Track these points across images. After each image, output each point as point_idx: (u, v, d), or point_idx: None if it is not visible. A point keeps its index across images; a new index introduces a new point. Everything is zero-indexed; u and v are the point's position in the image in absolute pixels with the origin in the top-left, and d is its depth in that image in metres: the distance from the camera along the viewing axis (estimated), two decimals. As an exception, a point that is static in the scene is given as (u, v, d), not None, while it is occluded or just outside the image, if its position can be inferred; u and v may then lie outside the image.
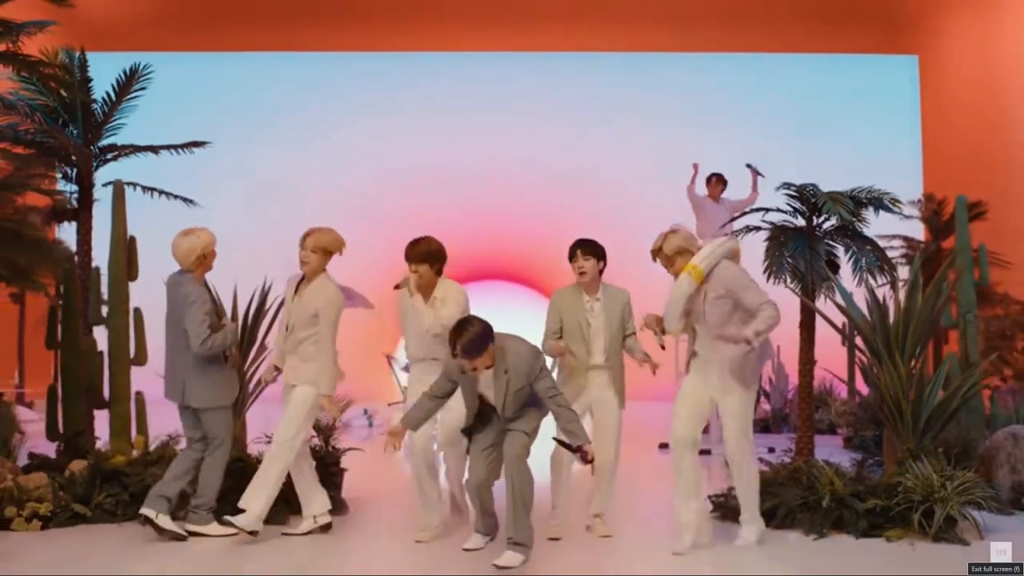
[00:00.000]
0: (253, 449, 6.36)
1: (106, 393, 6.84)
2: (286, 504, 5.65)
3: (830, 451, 7.26)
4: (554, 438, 5.10)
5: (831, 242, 6.61)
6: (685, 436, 5.14)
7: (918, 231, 11.81)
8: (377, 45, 14.46)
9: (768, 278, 6.44)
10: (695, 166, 10.04)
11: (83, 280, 6.97)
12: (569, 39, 14.44)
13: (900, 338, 6.12)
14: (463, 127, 14.14)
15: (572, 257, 5.53)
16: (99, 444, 6.75)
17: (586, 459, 4.76)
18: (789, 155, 12.87)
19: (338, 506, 5.98)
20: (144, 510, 5.32)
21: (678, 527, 5.18)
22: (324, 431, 6.27)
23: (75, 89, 6.91)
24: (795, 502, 5.55)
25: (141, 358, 6.88)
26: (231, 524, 5.24)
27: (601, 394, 5.48)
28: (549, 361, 5.32)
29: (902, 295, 6.33)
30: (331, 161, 14.22)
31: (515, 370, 4.85)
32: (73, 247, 7.37)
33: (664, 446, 8.70)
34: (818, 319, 6.55)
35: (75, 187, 7.10)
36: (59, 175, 7.40)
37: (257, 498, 5.27)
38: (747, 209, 7.57)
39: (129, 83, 7.14)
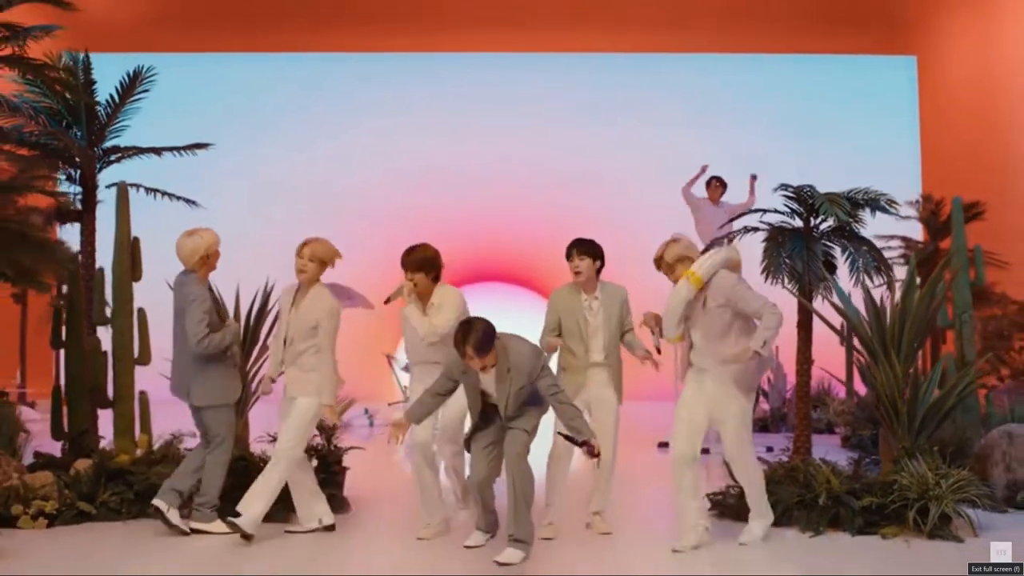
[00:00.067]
0: (256, 448, 6.42)
1: (110, 393, 6.90)
2: (286, 503, 5.70)
3: (827, 450, 7.32)
4: (559, 433, 5.16)
5: (828, 243, 6.65)
6: (685, 453, 5.19)
7: (917, 231, 11.87)
8: (379, 46, 14.49)
9: (766, 279, 6.49)
10: (703, 168, 9.98)
11: (87, 281, 7.03)
12: (572, 40, 14.47)
13: (896, 338, 6.17)
14: (467, 128, 14.17)
15: (568, 257, 5.59)
16: (103, 443, 6.81)
17: (592, 453, 4.83)
18: (788, 155, 12.96)
19: (340, 504, 6.04)
20: (157, 501, 5.43)
21: (680, 527, 5.24)
22: (326, 430, 6.33)
23: (79, 91, 6.96)
24: (792, 500, 5.60)
25: (145, 358, 6.94)
26: (233, 524, 5.30)
27: (600, 392, 5.54)
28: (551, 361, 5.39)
29: (898, 295, 6.39)
30: (335, 162, 14.25)
31: (517, 369, 4.91)
32: (75, 248, 7.44)
33: (663, 445, 8.77)
34: (815, 319, 6.60)
35: (79, 188, 7.16)
36: (63, 177, 7.46)
37: (255, 504, 5.32)
38: (744, 212, 7.62)
39: (132, 85, 7.20)
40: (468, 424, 5.33)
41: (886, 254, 7.06)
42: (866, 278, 6.46)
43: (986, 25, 12.99)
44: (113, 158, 7.29)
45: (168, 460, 6.11)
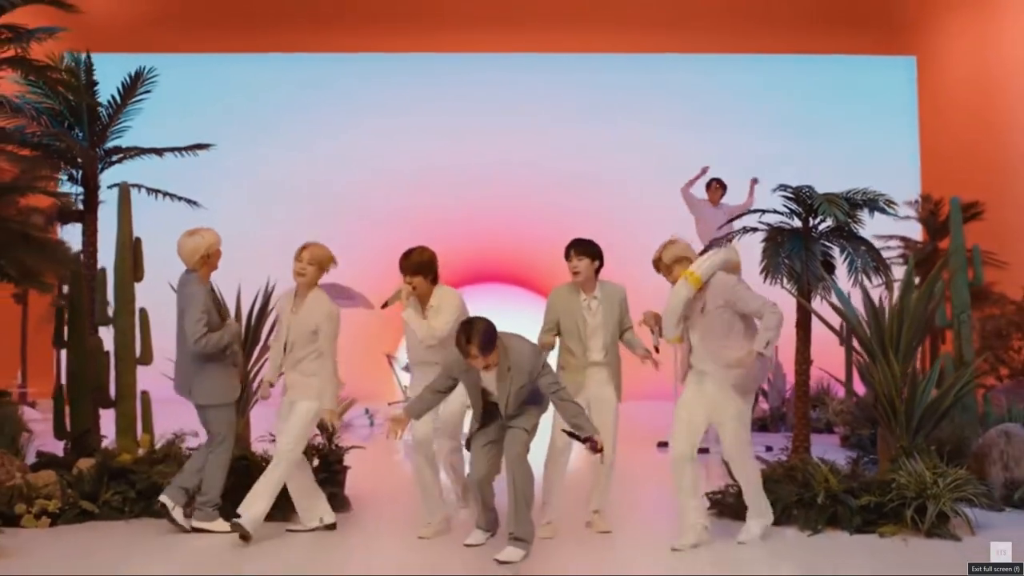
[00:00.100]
0: (257, 448, 6.44)
1: (112, 392, 6.92)
2: (287, 502, 5.73)
3: (826, 449, 7.34)
4: (563, 430, 5.19)
5: (827, 243, 6.67)
6: (684, 453, 5.22)
7: (916, 231, 11.89)
8: (379, 46, 14.49)
9: (765, 279, 6.52)
10: (704, 169, 9.98)
11: (89, 281, 7.05)
12: (572, 41, 14.47)
13: (894, 338, 6.20)
14: (467, 128, 14.16)
15: (567, 257, 5.62)
16: (106, 442, 6.83)
17: (596, 449, 4.86)
18: (788, 155, 12.96)
19: (340, 503, 6.07)
20: (163, 497, 5.49)
21: (679, 526, 5.26)
22: (327, 430, 6.35)
23: (81, 92, 6.97)
24: (791, 499, 5.63)
25: (147, 358, 6.96)
26: (235, 524, 5.32)
27: (599, 391, 5.56)
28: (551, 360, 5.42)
29: (897, 295, 6.41)
30: (335, 162, 14.25)
31: (517, 368, 4.93)
32: (76, 248, 7.47)
33: (663, 444, 8.79)
34: (814, 319, 6.63)
35: (81, 189, 7.19)
36: (64, 177, 7.48)
37: (255, 504, 5.34)
38: (743, 213, 7.64)
39: (134, 86, 7.21)
40: (468, 421, 5.36)
41: (885, 254, 7.09)
42: (865, 278, 6.49)
43: (985, 25, 13.01)
44: (115, 159, 7.30)
45: (170, 459, 6.13)
